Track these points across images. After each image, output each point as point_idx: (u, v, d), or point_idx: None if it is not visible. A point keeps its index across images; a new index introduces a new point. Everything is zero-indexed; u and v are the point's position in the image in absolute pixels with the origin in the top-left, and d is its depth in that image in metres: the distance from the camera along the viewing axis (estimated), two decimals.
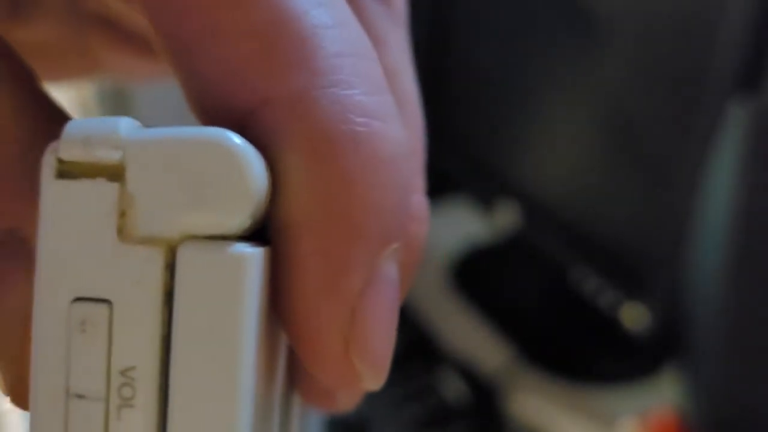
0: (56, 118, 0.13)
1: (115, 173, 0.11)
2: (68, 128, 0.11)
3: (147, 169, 0.11)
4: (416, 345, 0.64)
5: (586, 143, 0.60)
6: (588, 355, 0.65)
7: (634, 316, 0.56)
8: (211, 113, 0.12)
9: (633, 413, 0.58)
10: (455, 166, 0.74)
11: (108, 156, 0.11)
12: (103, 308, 0.11)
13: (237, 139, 0.11)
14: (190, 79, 0.12)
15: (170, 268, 0.11)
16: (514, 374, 0.63)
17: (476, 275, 0.74)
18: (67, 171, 0.11)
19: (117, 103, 0.75)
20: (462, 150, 0.73)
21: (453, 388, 0.59)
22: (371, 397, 0.22)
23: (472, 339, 0.66)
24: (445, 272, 0.74)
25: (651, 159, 0.54)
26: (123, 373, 0.11)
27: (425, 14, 0.72)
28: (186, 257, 0.11)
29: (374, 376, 0.12)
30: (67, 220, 0.11)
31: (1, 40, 0.12)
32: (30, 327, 0.11)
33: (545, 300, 0.71)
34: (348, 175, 0.11)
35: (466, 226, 0.78)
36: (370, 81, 0.11)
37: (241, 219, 0.11)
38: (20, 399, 0.12)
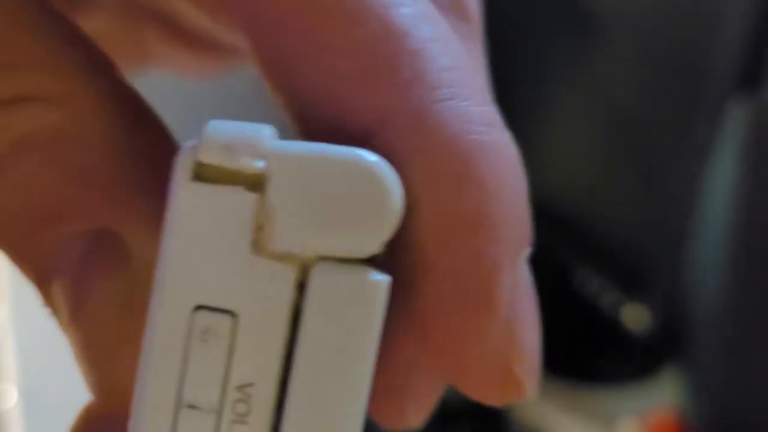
0: (142, 111, 0.12)
1: (255, 183, 0.11)
2: (209, 130, 0.11)
3: (290, 183, 0.11)
4: None
5: (586, 143, 0.60)
6: (588, 355, 0.65)
7: (635, 317, 0.56)
8: (320, 133, 0.11)
9: (633, 413, 0.58)
10: None
11: (251, 165, 0.11)
12: (227, 319, 0.11)
13: (383, 163, 0.11)
14: (293, 99, 0.11)
15: (300, 286, 0.11)
16: None
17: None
18: (203, 174, 0.11)
19: None
20: None
21: (452, 388, 0.59)
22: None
23: None
24: None
25: (651, 158, 0.54)
26: (240, 388, 0.11)
27: None
28: (321, 279, 0.11)
29: (531, 380, 0.12)
30: (200, 225, 0.11)
31: (79, 30, 0.12)
32: (122, 327, 0.11)
33: (545, 300, 0.70)
34: (483, 183, 0.11)
35: None
36: (481, 92, 0.11)
37: (379, 243, 0.11)
38: (109, 402, 0.12)
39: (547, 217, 0.67)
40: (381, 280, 0.11)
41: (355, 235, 0.11)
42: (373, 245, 0.11)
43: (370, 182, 0.11)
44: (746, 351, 0.50)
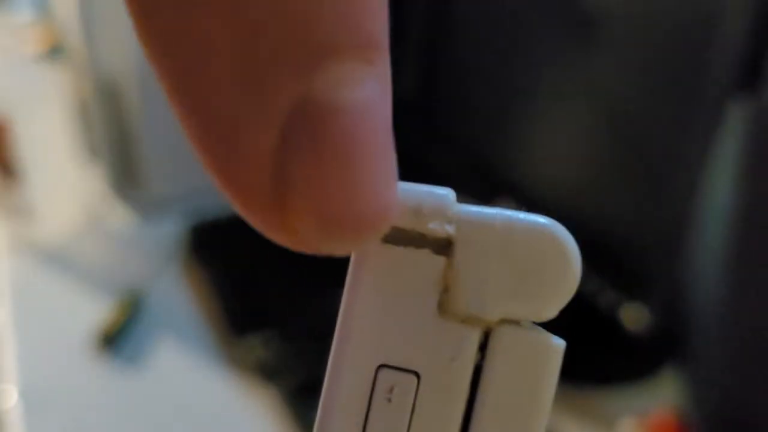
0: None
1: (442, 247, 0.11)
2: (399, 193, 0.11)
3: (477, 248, 0.11)
4: None
5: (586, 143, 0.60)
6: (588, 355, 0.65)
7: (634, 317, 0.56)
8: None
9: (633, 413, 0.58)
10: (454, 166, 0.74)
11: (439, 229, 0.11)
12: (412, 378, 0.11)
13: (565, 231, 0.11)
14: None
15: (481, 347, 0.11)
16: None
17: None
18: (392, 236, 0.11)
19: (116, 102, 0.75)
20: (460, 150, 0.73)
21: None
22: None
23: None
24: None
25: (651, 158, 0.53)
26: None
27: (423, 13, 0.72)
28: (504, 341, 0.11)
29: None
30: (387, 285, 0.11)
31: None
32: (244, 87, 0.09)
33: None
34: None
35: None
36: None
37: (559, 308, 0.11)
38: (210, 153, 0.10)
39: (546, 216, 0.67)
40: (559, 344, 0.12)
41: (539, 300, 0.11)
42: (554, 310, 0.11)
43: (556, 249, 0.11)
44: (746, 351, 0.50)
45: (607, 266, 0.59)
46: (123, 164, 0.79)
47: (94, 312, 0.67)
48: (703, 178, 0.49)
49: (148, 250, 0.75)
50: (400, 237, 0.11)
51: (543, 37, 0.61)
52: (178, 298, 0.70)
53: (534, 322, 0.11)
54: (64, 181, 0.78)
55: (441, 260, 0.11)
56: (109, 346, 0.64)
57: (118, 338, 0.64)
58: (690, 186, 0.50)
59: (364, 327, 0.11)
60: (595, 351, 0.66)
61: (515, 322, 0.11)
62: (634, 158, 0.55)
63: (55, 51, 0.96)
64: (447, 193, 0.11)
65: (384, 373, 0.11)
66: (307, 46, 0.09)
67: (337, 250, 0.10)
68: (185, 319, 0.68)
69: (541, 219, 0.11)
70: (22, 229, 0.77)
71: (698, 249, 0.51)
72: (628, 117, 0.55)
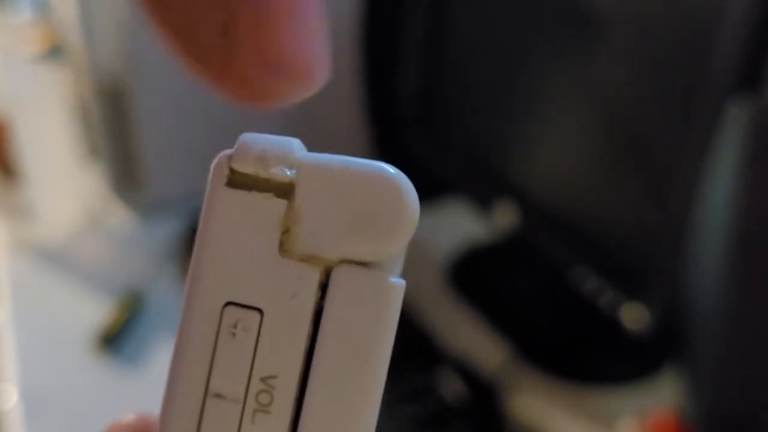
0: None
1: (284, 191, 0.12)
2: (243, 141, 0.12)
3: (316, 191, 0.12)
4: (415, 345, 0.64)
5: (586, 143, 0.60)
6: (588, 355, 0.65)
7: (634, 316, 0.56)
8: None
9: (633, 413, 0.58)
10: (454, 166, 0.74)
11: (281, 174, 0.12)
12: (255, 315, 0.12)
13: (402, 176, 0.12)
14: None
15: (322, 287, 0.12)
16: (513, 374, 0.63)
17: (475, 275, 0.73)
18: (237, 181, 0.12)
19: (116, 102, 0.75)
20: (461, 150, 0.73)
21: (452, 389, 0.59)
22: None
23: (472, 339, 0.66)
24: (444, 272, 0.74)
25: (651, 159, 0.53)
26: (264, 380, 0.12)
27: (422, 14, 0.72)
28: (342, 280, 0.12)
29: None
30: (233, 228, 0.12)
31: None
32: None
33: (545, 300, 0.71)
34: None
35: (465, 226, 0.78)
36: None
37: (397, 248, 0.12)
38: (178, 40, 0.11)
39: (546, 216, 0.67)
40: (397, 283, 0.12)
41: (376, 240, 0.12)
42: (392, 250, 0.12)
43: (391, 193, 0.12)
44: (745, 351, 0.50)
45: (608, 266, 0.59)
46: (123, 164, 0.79)
47: (94, 312, 0.67)
48: (703, 179, 0.49)
49: (148, 250, 0.75)
50: (245, 182, 0.12)
51: (543, 37, 0.61)
52: (178, 298, 0.70)
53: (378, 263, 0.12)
54: (64, 181, 0.78)
55: (282, 203, 0.12)
56: (109, 346, 0.64)
57: (118, 338, 0.64)
58: (690, 186, 0.50)
59: (211, 267, 0.12)
60: (595, 351, 0.66)
61: (355, 263, 0.12)
62: (634, 158, 0.55)
63: (55, 51, 0.96)
64: (290, 141, 0.12)
65: (229, 310, 0.12)
66: None
67: (279, 95, 0.11)
68: None
69: (379, 164, 0.12)
70: (22, 229, 0.77)
71: (698, 249, 0.51)
72: (628, 117, 0.55)
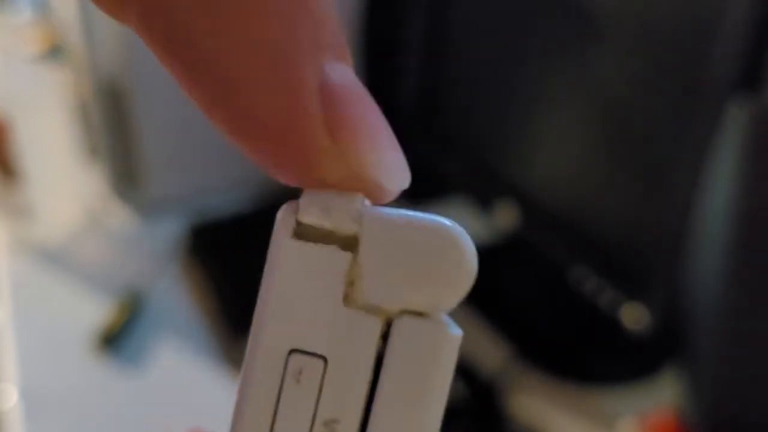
0: None
1: (348, 243, 0.12)
2: (308, 195, 0.13)
3: (380, 244, 0.12)
4: None
5: (586, 143, 0.60)
6: (588, 355, 0.65)
7: (634, 316, 0.56)
8: None
9: (633, 413, 0.58)
10: (454, 166, 0.74)
11: (346, 226, 0.12)
12: (319, 362, 0.12)
13: (462, 230, 0.12)
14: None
15: (384, 337, 0.12)
16: (513, 374, 0.63)
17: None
18: (302, 233, 0.13)
19: (116, 102, 0.75)
20: (461, 151, 0.73)
21: (452, 389, 0.59)
22: None
23: (472, 339, 0.66)
24: None
25: (651, 158, 0.53)
26: (326, 423, 0.13)
27: (423, 14, 0.72)
28: (404, 331, 0.12)
29: (383, 170, 0.12)
30: (298, 278, 0.13)
31: None
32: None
33: (545, 300, 0.71)
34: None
35: (465, 226, 0.78)
36: None
37: (457, 300, 0.12)
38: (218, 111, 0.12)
39: (546, 217, 0.67)
40: (456, 334, 0.13)
41: (436, 293, 0.12)
42: (452, 301, 0.13)
43: (452, 247, 0.12)
44: (745, 351, 0.50)
45: (608, 266, 0.59)
46: (123, 164, 0.79)
47: (94, 312, 0.67)
48: (703, 178, 0.49)
49: (148, 250, 0.75)
50: (310, 234, 0.12)
51: (543, 37, 0.61)
52: (178, 298, 0.70)
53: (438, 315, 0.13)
54: (64, 181, 0.78)
55: (347, 255, 0.12)
56: (109, 346, 0.64)
57: (118, 338, 0.64)
58: (690, 186, 0.50)
59: (277, 315, 0.13)
60: (595, 351, 0.66)
61: (416, 313, 0.12)
62: (635, 158, 0.55)
63: (55, 51, 0.96)
64: (353, 195, 0.13)
65: (294, 357, 0.12)
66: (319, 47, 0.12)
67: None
68: (185, 319, 0.68)
69: (440, 219, 0.13)
70: (22, 229, 0.77)
71: (698, 249, 0.51)
72: (628, 117, 0.55)
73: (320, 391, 0.12)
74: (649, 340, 0.57)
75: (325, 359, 0.12)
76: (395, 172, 0.13)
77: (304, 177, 0.12)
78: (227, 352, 0.64)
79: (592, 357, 0.65)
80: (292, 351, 0.12)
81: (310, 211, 0.12)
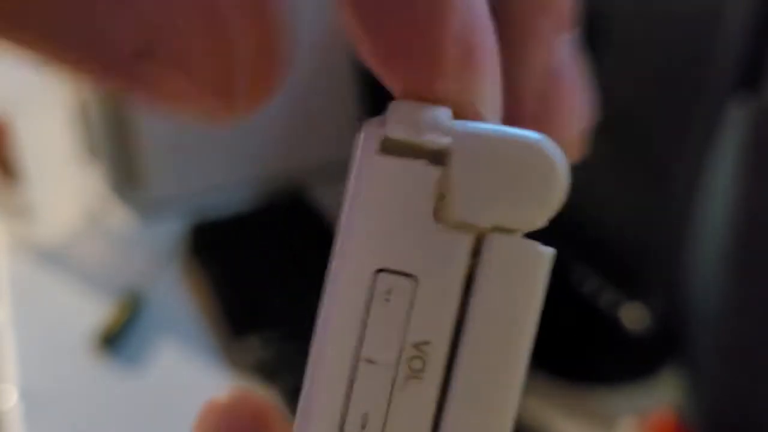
0: None
1: (438, 158, 0.12)
2: (396, 108, 0.12)
3: (471, 159, 0.12)
4: None
5: (585, 143, 0.59)
6: (588, 355, 0.65)
7: (634, 316, 0.56)
8: None
9: (633, 413, 0.58)
10: None
11: (436, 141, 0.12)
12: (408, 282, 0.12)
13: (553, 145, 0.12)
14: None
15: (474, 253, 0.12)
16: None
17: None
18: (390, 148, 0.12)
19: (116, 102, 0.75)
20: None
21: None
22: None
23: None
24: None
25: (651, 159, 0.54)
26: (416, 346, 0.12)
27: None
28: (495, 247, 0.12)
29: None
30: (386, 195, 0.12)
31: None
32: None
33: (544, 300, 0.70)
34: None
35: None
36: None
37: (548, 217, 0.12)
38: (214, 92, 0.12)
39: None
40: (547, 252, 0.12)
41: (529, 209, 0.12)
42: (543, 219, 0.12)
43: (544, 162, 0.12)
44: (745, 351, 0.50)
45: (607, 266, 0.59)
46: (123, 164, 0.79)
47: (94, 312, 0.67)
48: (703, 179, 0.49)
49: (148, 250, 0.75)
50: (398, 148, 0.12)
51: None
52: (178, 298, 0.70)
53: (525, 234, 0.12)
54: (64, 181, 0.78)
55: (437, 170, 0.12)
56: (109, 346, 0.64)
57: (118, 338, 0.64)
58: (690, 186, 0.50)
59: (362, 234, 0.12)
60: (595, 351, 0.66)
61: (507, 230, 0.12)
62: (635, 158, 0.55)
63: None
64: (440, 108, 0.12)
65: (382, 277, 0.12)
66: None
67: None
68: (185, 319, 0.68)
69: (532, 134, 0.12)
70: (22, 229, 0.77)
71: (698, 249, 0.51)
72: (629, 117, 0.55)
73: (409, 311, 0.12)
74: (649, 340, 0.57)
75: (414, 278, 0.12)
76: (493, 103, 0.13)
77: (427, 84, 0.12)
78: (227, 352, 0.64)
79: (592, 357, 0.65)
80: (379, 270, 0.12)
81: (400, 126, 0.12)
